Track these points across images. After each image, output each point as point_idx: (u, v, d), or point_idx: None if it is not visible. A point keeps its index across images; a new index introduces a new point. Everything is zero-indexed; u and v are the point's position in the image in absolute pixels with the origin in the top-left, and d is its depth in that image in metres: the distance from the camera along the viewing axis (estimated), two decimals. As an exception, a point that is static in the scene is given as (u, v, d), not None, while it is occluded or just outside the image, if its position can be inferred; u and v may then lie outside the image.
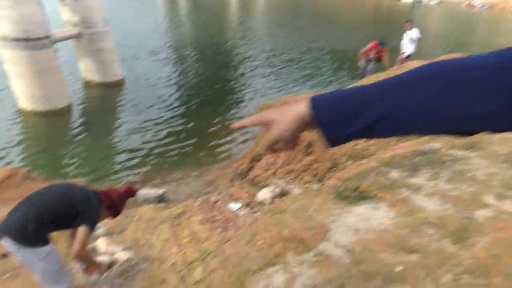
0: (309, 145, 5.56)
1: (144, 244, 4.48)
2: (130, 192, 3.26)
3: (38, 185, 5.80)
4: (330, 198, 3.85)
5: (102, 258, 3.98)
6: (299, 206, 3.71)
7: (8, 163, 9.01)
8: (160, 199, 7.02)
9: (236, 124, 0.92)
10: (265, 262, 3.03)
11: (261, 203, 5.04)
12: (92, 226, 2.87)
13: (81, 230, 2.80)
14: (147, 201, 6.96)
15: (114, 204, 3.09)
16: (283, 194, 5.18)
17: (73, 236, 3.26)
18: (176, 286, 3.73)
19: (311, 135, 5.85)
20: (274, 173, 5.72)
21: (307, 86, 14.74)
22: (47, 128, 11.50)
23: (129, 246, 4.42)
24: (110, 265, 3.99)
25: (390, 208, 3.29)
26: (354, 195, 3.64)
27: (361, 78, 9.86)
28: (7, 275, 3.72)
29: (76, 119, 12.27)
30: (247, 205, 5.10)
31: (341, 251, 2.94)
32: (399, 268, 2.78)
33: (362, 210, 3.34)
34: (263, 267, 2.99)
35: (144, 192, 7.11)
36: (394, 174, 3.74)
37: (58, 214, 2.78)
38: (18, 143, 10.32)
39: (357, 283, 2.67)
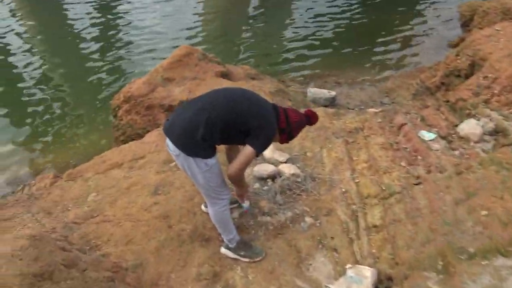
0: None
1: (312, 158, 3.88)
2: (311, 119, 2.55)
3: (213, 66, 5.54)
4: None
5: (267, 168, 3.53)
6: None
7: (185, 41, 9.17)
8: (331, 101, 6.26)
9: None
10: (492, 247, 2.08)
11: (464, 139, 3.84)
12: (261, 151, 2.30)
13: (247, 151, 2.27)
14: (316, 102, 6.29)
15: (290, 129, 2.43)
16: (497, 131, 3.85)
17: (230, 152, 2.78)
18: (346, 223, 3.09)
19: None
20: (487, 101, 4.29)
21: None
22: (226, 9, 11.25)
23: (296, 157, 3.87)
24: (274, 176, 3.53)
25: None
26: None
27: None
28: (174, 163, 3.57)
29: (255, 1, 11.69)
30: (444, 137, 3.97)
31: None
32: None
33: None
34: (487, 253, 2.06)
35: (314, 91, 6.41)
36: None
37: (230, 126, 2.26)
38: (195, 22, 10.37)
39: None
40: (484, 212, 2.34)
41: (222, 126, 2.22)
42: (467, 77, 5.43)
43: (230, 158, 2.80)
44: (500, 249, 2.05)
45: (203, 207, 3.11)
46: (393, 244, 2.67)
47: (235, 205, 3.14)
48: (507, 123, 3.97)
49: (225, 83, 5.31)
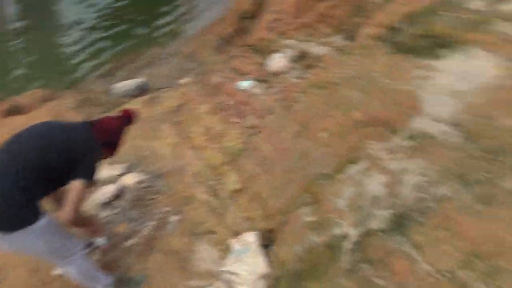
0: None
1: (149, 156, 3.58)
2: (129, 117, 2.26)
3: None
4: (389, 54, 2.87)
5: (106, 190, 3.11)
6: (356, 73, 2.74)
7: None
8: (142, 89, 5.88)
9: None
10: (341, 161, 2.19)
11: (277, 74, 4.03)
12: (91, 177, 1.94)
13: (76, 186, 1.88)
14: (127, 95, 5.84)
15: (111, 138, 2.11)
16: (302, 56, 4.13)
17: (56, 198, 2.31)
18: (208, 202, 2.96)
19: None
20: (281, 33, 4.54)
21: None
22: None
23: (134, 163, 3.51)
24: (118, 194, 3.14)
25: (492, 52, 2.36)
26: (425, 45, 2.65)
27: None
28: None
29: (14, 17, 9.99)
30: (259, 80, 4.10)
31: (447, 127, 2.09)
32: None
33: (452, 63, 2.41)
34: (340, 168, 2.16)
35: (119, 86, 5.94)
36: (476, 4, 2.70)
37: (48, 171, 1.82)
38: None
39: (483, 165, 1.88)
40: (322, 134, 2.45)
41: (39, 177, 1.78)
42: (258, 17, 5.65)
43: (58, 200, 2.32)
44: (347, 158, 2.18)
45: (55, 271, 2.57)
46: (258, 200, 2.65)
47: (91, 248, 2.69)
48: (305, 45, 4.28)
49: (18, 120, 4.47)
